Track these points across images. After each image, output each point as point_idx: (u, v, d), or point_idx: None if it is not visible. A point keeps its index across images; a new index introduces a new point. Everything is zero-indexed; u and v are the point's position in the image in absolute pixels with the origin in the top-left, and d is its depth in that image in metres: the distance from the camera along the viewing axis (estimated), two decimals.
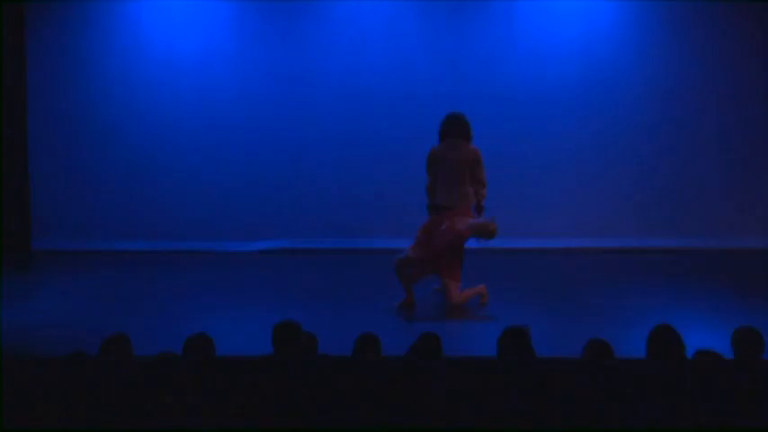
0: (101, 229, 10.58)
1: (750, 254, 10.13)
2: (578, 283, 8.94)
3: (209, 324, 6.20)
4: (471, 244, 7.86)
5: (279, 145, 10.59)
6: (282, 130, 10.59)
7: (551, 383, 4.82)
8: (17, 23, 9.76)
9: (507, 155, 10.32)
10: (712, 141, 10.55)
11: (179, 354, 5.03)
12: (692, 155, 10.54)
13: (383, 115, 10.46)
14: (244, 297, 8.42)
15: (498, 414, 4.65)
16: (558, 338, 6.61)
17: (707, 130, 10.55)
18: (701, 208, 10.51)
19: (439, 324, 7.17)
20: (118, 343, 5.09)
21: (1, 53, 9.59)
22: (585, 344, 5.00)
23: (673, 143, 10.55)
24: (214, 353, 5.12)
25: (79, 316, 7.77)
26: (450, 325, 7.38)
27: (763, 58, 10.48)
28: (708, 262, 9.82)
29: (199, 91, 10.55)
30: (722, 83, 10.51)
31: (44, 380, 4.94)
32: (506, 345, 4.97)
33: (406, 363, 5.08)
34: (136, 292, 8.64)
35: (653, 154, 10.54)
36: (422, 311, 7.71)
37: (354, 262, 9.94)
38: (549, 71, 10.47)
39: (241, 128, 10.58)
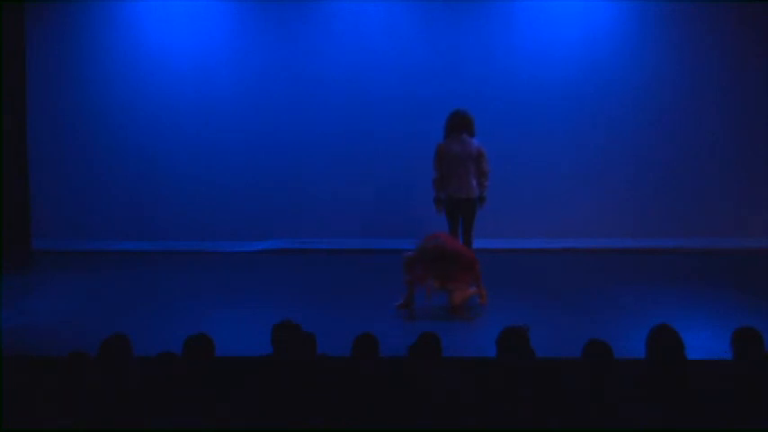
0: (101, 229, 10.58)
1: (750, 254, 10.12)
2: (578, 283, 8.94)
3: (209, 324, 6.21)
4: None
5: (279, 145, 10.58)
6: (282, 130, 10.59)
7: (551, 384, 4.82)
8: (17, 23, 9.75)
9: (506, 155, 10.31)
10: (712, 142, 10.55)
11: (178, 354, 5.04)
12: (692, 155, 10.54)
13: (383, 115, 10.46)
14: (243, 297, 8.42)
15: (498, 414, 4.65)
16: (558, 339, 6.61)
17: (707, 131, 10.55)
18: (700, 208, 10.51)
19: (438, 324, 7.18)
20: (117, 343, 5.10)
21: (1, 53, 9.59)
22: (585, 344, 5.00)
23: (672, 143, 10.54)
24: (214, 353, 5.12)
25: (79, 316, 7.78)
26: (450, 325, 7.38)
27: (764, 58, 10.48)
28: (708, 262, 9.81)
29: (199, 91, 10.54)
30: (722, 83, 10.51)
31: (44, 380, 4.94)
32: (505, 345, 4.98)
33: (405, 363, 5.08)
34: (136, 292, 8.64)
35: (653, 154, 10.54)
36: (421, 311, 7.71)
37: (354, 262, 9.94)
38: (548, 71, 10.47)
39: (241, 128, 10.58)
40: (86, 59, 10.59)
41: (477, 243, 8.58)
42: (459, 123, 8.26)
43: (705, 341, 6.37)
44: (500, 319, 6.34)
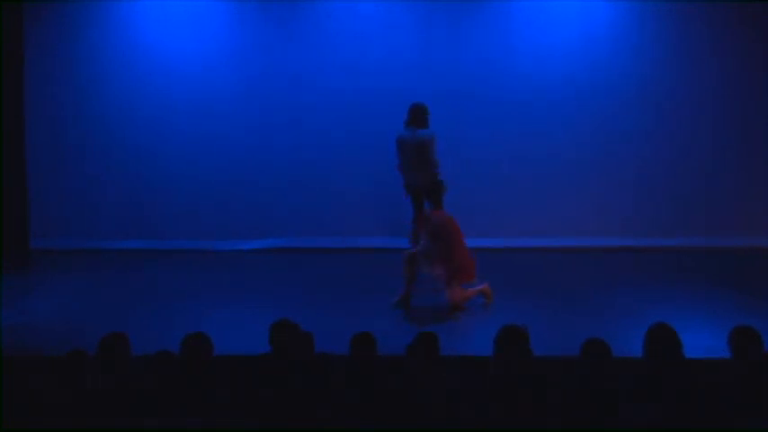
0: (100, 229, 10.58)
1: (750, 252, 10.12)
2: (576, 282, 8.95)
3: (207, 323, 6.22)
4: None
5: (278, 144, 10.58)
6: (282, 130, 10.59)
7: (549, 383, 4.82)
8: (16, 23, 9.75)
9: (505, 154, 10.36)
10: (711, 140, 10.55)
11: (177, 353, 5.04)
12: (692, 154, 10.54)
13: (382, 114, 10.41)
14: (241, 296, 8.43)
15: (495, 414, 4.66)
16: (556, 338, 6.61)
17: (707, 130, 10.56)
18: (700, 207, 10.51)
19: (436, 323, 7.19)
20: (116, 342, 5.10)
21: (0, 53, 9.59)
22: (583, 343, 5.00)
23: (671, 142, 10.55)
24: (212, 352, 5.13)
25: (78, 315, 7.79)
26: (448, 324, 7.39)
27: (763, 58, 10.48)
28: (707, 261, 9.81)
29: (197, 91, 10.54)
30: (722, 82, 10.51)
31: (43, 379, 4.94)
32: (504, 344, 4.97)
33: (403, 362, 5.08)
34: (134, 291, 8.65)
35: (651, 153, 10.55)
36: (420, 310, 7.71)
37: (351, 261, 9.94)
38: (548, 71, 10.47)
39: (240, 127, 10.58)
40: (85, 59, 10.59)
41: (477, 242, 8.59)
42: (411, 115, 8.72)
43: (703, 340, 6.38)
44: (498, 319, 6.34)
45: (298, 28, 10.53)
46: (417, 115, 8.74)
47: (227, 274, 9.40)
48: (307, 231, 10.58)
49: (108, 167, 10.62)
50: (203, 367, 4.98)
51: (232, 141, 10.59)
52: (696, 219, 10.49)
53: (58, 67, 10.57)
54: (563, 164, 10.54)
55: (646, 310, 7.48)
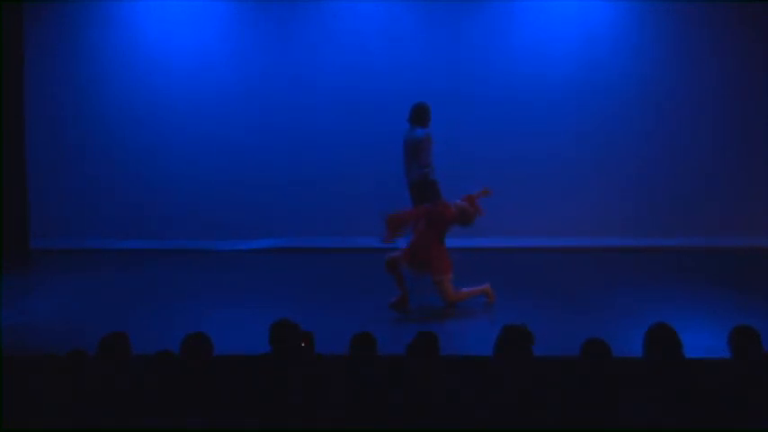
0: (100, 229, 10.58)
1: (749, 252, 10.12)
2: (576, 282, 8.94)
3: (207, 323, 6.21)
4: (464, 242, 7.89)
5: (278, 143, 10.59)
6: (282, 129, 10.60)
7: (549, 383, 4.82)
8: (16, 23, 9.76)
9: (505, 154, 10.35)
10: (710, 141, 10.56)
11: (177, 352, 5.04)
12: (691, 154, 10.55)
13: (382, 114, 10.44)
14: (242, 296, 8.42)
15: (495, 413, 4.65)
16: (556, 338, 6.60)
17: (705, 130, 10.56)
18: (700, 207, 10.52)
19: (436, 323, 7.18)
20: (116, 341, 5.10)
21: (0, 53, 9.60)
22: (583, 343, 5.00)
23: (671, 142, 10.56)
24: (212, 352, 5.13)
25: (78, 315, 7.78)
26: (448, 324, 7.38)
27: (763, 58, 10.48)
28: (707, 261, 9.81)
29: (197, 91, 10.55)
30: (722, 82, 10.52)
31: (43, 378, 4.94)
32: (504, 343, 4.97)
33: (403, 362, 5.08)
34: (134, 290, 8.65)
35: (651, 153, 10.56)
36: (419, 309, 7.71)
37: (351, 261, 9.94)
38: (548, 71, 10.48)
39: (240, 127, 10.59)
40: (85, 59, 10.60)
41: (477, 242, 8.59)
42: (410, 114, 8.82)
43: (703, 340, 6.37)
44: (499, 318, 6.35)
45: (298, 28, 10.53)
46: (417, 114, 8.81)
47: (227, 274, 9.40)
48: (307, 231, 10.59)
49: (108, 168, 10.62)
50: (203, 367, 4.98)
51: (232, 141, 10.60)
52: (696, 219, 10.49)
53: (58, 67, 10.57)
54: (563, 164, 10.54)
55: (646, 310, 7.47)
